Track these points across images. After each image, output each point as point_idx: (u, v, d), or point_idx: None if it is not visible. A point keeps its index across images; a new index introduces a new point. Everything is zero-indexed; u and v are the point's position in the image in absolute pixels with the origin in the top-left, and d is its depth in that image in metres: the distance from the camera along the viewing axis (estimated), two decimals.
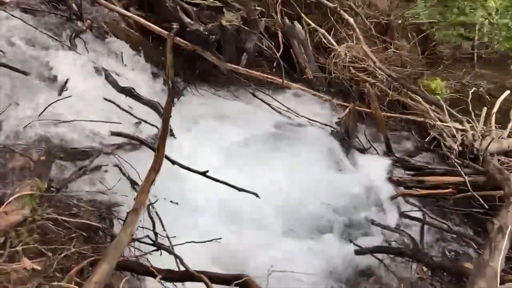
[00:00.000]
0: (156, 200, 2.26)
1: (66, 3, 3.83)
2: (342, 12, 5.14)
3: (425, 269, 2.64)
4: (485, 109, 4.30)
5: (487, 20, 4.86)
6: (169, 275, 1.85)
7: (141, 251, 1.98)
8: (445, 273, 2.60)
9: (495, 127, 4.11)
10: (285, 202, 3.24)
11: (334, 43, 4.99)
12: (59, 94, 2.85)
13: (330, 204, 3.34)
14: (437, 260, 2.66)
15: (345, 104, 4.51)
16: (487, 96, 4.95)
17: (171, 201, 2.61)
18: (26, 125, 2.46)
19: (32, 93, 2.76)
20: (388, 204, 3.47)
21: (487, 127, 4.01)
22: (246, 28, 4.48)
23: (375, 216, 3.32)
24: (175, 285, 1.95)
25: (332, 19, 5.19)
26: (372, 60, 4.71)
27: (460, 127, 4.03)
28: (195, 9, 4.24)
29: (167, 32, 3.96)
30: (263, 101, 4.39)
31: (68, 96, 2.78)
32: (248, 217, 3.00)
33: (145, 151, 2.62)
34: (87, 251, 1.79)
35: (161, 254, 1.97)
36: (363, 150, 4.11)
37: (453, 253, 3.07)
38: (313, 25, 5.10)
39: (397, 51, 5.37)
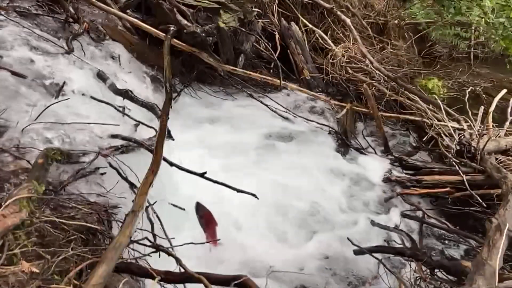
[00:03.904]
0: (155, 202, 2.26)
1: (63, 6, 3.83)
2: (338, 12, 5.15)
3: (424, 268, 2.64)
4: (482, 108, 4.32)
5: (483, 20, 4.88)
6: (168, 277, 1.84)
7: (140, 253, 1.97)
8: (444, 272, 2.60)
9: (493, 126, 4.13)
10: (282, 203, 3.24)
11: (331, 44, 5.00)
12: (56, 97, 2.85)
13: (329, 204, 3.35)
14: (436, 259, 2.66)
15: (343, 104, 4.53)
16: (484, 95, 4.98)
17: (171, 204, 2.63)
18: (23, 128, 2.45)
19: (29, 96, 2.75)
20: (387, 203, 3.48)
21: (485, 126, 4.03)
22: (243, 29, 4.49)
23: (373, 216, 3.33)
24: (176, 287, 1.95)
25: (329, 19, 5.21)
26: (369, 60, 4.72)
27: (457, 126, 4.05)
28: (192, 11, 4.25)
29: (164, 34, 3.96)
30: (261, 102, 4.40)
31: (66, 99, 2.78)
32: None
33: (143, 153, 2.62)
34: (86, 253, 1.78)
35: (159, 255, 1.96)
36: (361, 150, 4.11)
37: (451, 252, 3.08)
38: (310, 26, 5.11)
39: (394, 51, 5.39)
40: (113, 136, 2.71)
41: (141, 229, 1.98)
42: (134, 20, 4.14)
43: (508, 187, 2.83)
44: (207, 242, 2.21)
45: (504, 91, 4.70)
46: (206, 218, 2.32)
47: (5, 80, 2.73)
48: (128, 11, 4.29)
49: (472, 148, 3.49)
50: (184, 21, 4.12)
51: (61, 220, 1.83)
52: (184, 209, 2.63)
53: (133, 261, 1.91)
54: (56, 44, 3.36)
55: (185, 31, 4.07)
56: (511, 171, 3.27)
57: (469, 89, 4.65)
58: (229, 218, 2.86)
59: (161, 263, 1.91)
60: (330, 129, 4.21)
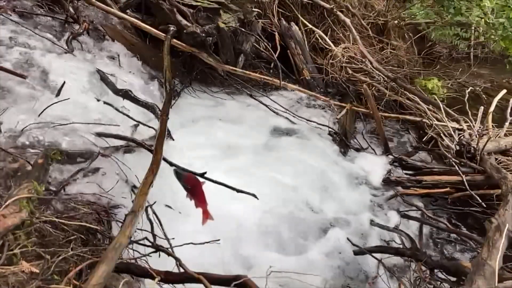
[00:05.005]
0: (155, 202, 2.25)
1: (62, 6, 3.83)
2: (338, 13, 5.16)
3: (423, 268, 2.64)
4: (482, 108, 4.32)
5: (483, 20, 4.88)
6: (168, 277, 1.84)
7: (140, 253, 1.97)
8: (443, 272, 2.61)
9: (492, 126, 4.13)
10: (282, 203, 3.23)
11: (331, 44, 5.01)
12: (56, 97, 2.85)
13: (329, 204, 3.35)
14: (435, 259, 2.67)
15: (343, 104, 4.53)
16: (483, 96, 4.98)
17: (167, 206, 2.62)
18: (24, 128, 2.46)
19: (29, 96, 2.76)
20: (387, 203, 3.47)
21: (484, 126, 4.03)
22: (243, 29, 4.50)
23: (373, 216, 3.33)
24: (175, 287, 1.95)
25: (329, 20, 5.21)
26: (369, 60, 4.73)
27: (457, 126, 4.05)
28: (192, 11, 4.25)
29: (164, 34, 3.97)
30: (261, 102, 4.40)
31: (65, 99, 2.78)
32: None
33: (143, 153, 2.62)
34: (86, 253, 1.79)
35: (159, 256, 1.97)
36: (360, 150, 4.11)
37: (451, 252, 3.08)
38: (310, 26, 5.12)
39: (394, 51, 5.40)
40: (113, 136, 2.72)
41: (141, 229, 1.98)
42: (134, 20, 4.14)
43: (508, 188, 2.83)
44: (207, 243, 2.17)
45: (504, 91, 4.71)
46: (190, 183, 2.21)
47: (4, 80, 2.74)
48: (128, 11, 4.30)
49: (472, 148, 3.48)
50: (184, 21, 4.12)
51: (61, 220, 1.84)
52: (180, 212, 2.62)
53: (133, 261, 1.91)
54: (56, 44, 3.37)
55: (185, 31, 4.07)
56: (511, 171, 3.26)
57: (469, 90, 4.65)
58: (229, 219, 2.85)
59: (162, 263, 1.91)
60: (330, 129, 4.21)
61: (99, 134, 2.71)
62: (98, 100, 3.09)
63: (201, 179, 2.26)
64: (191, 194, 2.20)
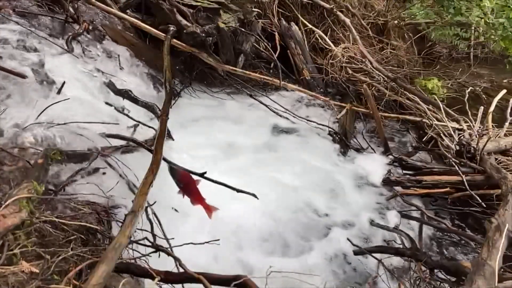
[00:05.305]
0: (155, 202, 2.25)
1: (62, 6, 3.83)
2: (338, 13, 5.16)
3: (423, 268, 2.64)
4: (481, 108, 4.32)
5: (483, 20, 4.88)
6: (167, 277, 1.85)
7: (140, 253, 1.98)
8: (443, 272, 2.60)
9: (492, 126, 4.13)
10: (282, 203, 3.23)
11: (331, 44, 5.01)
12: (57, 95, 2.85)
13: (329, 204, 3.35)
14: (435, 259, 2.67)
15: (343, 104, 4.53)
16: (483, 96, 4.98)
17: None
18: (24, 128, 2.46)
19: (29, 96, 2.76)
20: (387, 204, 3.47)
21: (484, 126, 4.03)
22: (243, 29, 4.50)
23: (373, 216, 3.32)
24: (174, 287, 1.95)
25: (329, 20, 5.22)
26: (369, 60, 4.73)
27: (457, 126, 4.05)
28: (192, 11, 4.25)
29: (164, 34, 3.97)
30: (261, 102, 4.39)
31: (65, 99, 2.78)
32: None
33: (143, 153, 2.62)
34: (86, 253, 1.79)
35: (159, 256, 1.97)
36: (361, 150, 4.11)
37: (451, 252, 3.08)
38: (309, 26, 5.12)
39: (394, 51, 5.40)
40: (113, 136, 2.72)
41: (141, 229, 1.98)
42: (134, 20, 4.15)
43: (508, 188, 2.83)
44: (206, 243, 2.17)
45: (504, 91, 4.71)
46: (184, 180, 2.19)
47: (4, 80, 2.74)
48: (128, 11, 4.30)
49: (472, 148, 3.49)
50: (184, 21, 4.12)
51: (61, 220, 1.84)
52: (177, 211, 2.61)
53: (133, 261, 1.91)
54: (56, 44, 3.37)
55: (185, 31, 4.07)
56: (511, 171, 3.27)
57: (469, 90, 4.65)
58: (229, 219, 2.85)
59: (162, 263, 1.91)
60: (330, 129, 4.21)
61: (100, 134, 2.71)
62: (110, 105, 3.09)
63: (196, 177, 2.26)
64: (184, 192, 2.19)
